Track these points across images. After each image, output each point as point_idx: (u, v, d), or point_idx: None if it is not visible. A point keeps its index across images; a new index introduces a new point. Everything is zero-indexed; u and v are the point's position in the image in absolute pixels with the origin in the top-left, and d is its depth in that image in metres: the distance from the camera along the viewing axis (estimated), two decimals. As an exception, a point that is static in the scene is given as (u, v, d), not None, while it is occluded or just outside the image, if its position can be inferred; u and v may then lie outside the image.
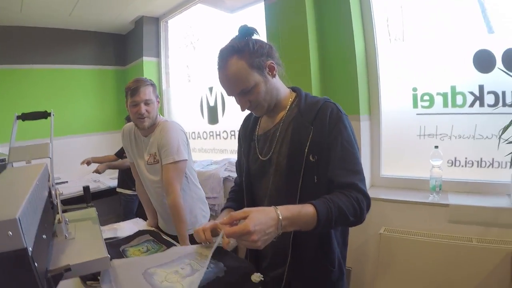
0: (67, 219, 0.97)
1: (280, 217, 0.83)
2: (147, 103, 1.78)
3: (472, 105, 2.01)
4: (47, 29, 4.20)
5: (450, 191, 2.08)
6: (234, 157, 3.25)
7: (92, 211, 1.16)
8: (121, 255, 1.48)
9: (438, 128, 2.13)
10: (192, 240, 1.52)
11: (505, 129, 1.70)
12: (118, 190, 3.47)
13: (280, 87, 1.13)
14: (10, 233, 0.52)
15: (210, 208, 2.17)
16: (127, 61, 4.77)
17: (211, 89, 3.67)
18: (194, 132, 3.98)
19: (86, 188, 1.21)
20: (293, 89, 1.19)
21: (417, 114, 2.20)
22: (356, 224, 0.98)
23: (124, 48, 4.82)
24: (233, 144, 3.48)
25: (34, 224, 0.66)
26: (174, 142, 1.79)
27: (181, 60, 4.31)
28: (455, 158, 2.11)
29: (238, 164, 1.36)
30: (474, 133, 2.02)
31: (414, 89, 2.20)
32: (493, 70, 1.92)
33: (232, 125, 3.49)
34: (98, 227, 1.02)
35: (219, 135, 3.68)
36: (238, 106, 1.11)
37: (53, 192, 0.98)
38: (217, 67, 1.06)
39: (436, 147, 2.03)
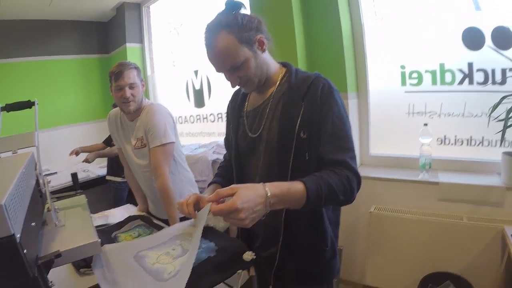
0: (56, 207, 0.95)
1: (269, 194, 0.81)
2: (131, 86, 1.75)
3: (461, 82, 2.01)
4: (27, 21, 4.11)
5: (439, 169, 2.10)
6: (222, 139, 3.22)
7: (81, 198, 1.14)
8: (112, 241, 1.47)
9: (427, 106, 2.14)
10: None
11: (495, 107, 1.71)
12: (108, 178, 3.44)
13: (270, 62, 1.10)
14: (-4, 219, 0.51)
15: (199, 192, 2.16)
16: (111, 49, 4.71)
17: (196, 72, 3.63)
18: (181, 117, 3.95)
19: (74, 175, 1.19)
20: (283, 64, 1.16)
21: (406, 92, 2.21)
22: (346, 203, 0.97)
23: (106, 35, 4.76)
24: (221, 126, 3.46)
25: (22, 211, 0.65)
26: (161, 124, 1.76)
27: (165, 45, 4.25)
28: (445, 136, 2.12)
29: (227, 140, 1.33)
30: (464, 111, 2.02)
31: (402, 67, 2.19)
32: (482, 47, 1.91)
33: (219, 107, 3.46)
34: (88, 213, 1.01)
35: (206, 118, 3.65)
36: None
37: (41, 180, 0.96)
38: (204, 43, 1.02)
39: (425, 124, 2.04)
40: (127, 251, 1.00)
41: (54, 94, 4.36)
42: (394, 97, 2.25)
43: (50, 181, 1.00)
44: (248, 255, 0.92)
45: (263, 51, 1.05)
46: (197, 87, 3.66)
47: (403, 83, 2.21)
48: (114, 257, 0.96)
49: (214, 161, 2.92)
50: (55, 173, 3.80)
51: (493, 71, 1.90)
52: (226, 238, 1.08)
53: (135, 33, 4.28)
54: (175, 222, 1.73)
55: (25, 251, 0.56)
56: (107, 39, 4.75)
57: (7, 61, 4.01)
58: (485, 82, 1.93)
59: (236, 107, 1.24)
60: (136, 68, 1.82)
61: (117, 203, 2.95)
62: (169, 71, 4.19)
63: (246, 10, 1.04)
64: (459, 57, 1.99)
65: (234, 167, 1.21)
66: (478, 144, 2.02)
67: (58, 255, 0.71)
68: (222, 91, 3.34)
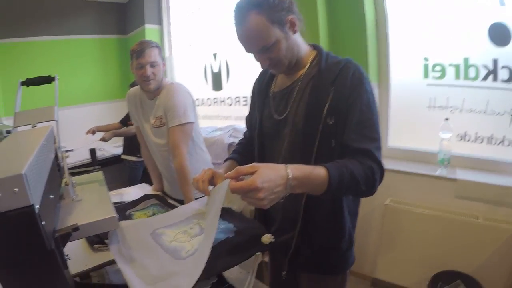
0: (74, 181, 0.96)
1: (290, 176, 0.78)
2: (153, 65, 1.74)
3: (485, 78, 1.93)
4: (47, 0, 4.13)
5: (458, 166, 2.03)
6: (238, 123, 3.22)
7: (99, 174, 1.15)
8: (127, 219, 1.48)
9: (449, 100, 2.07)
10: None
11: (519, 106, 1.64)
12: (123, 157, 3.48)
13: (301, 43, 1.07)
14: (16, 189, 0.51)
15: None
16: (129, 30, 4.72)
17: (215, 55, 3.60)
18: (198, 99, 3.93)
19: (92, 151, 1.19)
20: (314, 47, 1.12)
21: (428, 84, 2.14)
22: (367, 195, 0.94)
23: (125, 16, 4.77)
24: (238, 110, 3.45)
25: (41, 183, 0.64)
26: (181, 104, 1.75)
27: (184, 27, 4.21)
28: (465, 133, 2.05)
29: (249, 118, 1.30)
30: (486, 108, 1.94)
31: (426, 59, 2.12)
32: (508, 44, 1.83)
33: (237, 91, 3.43)
34: (105, 189, 1.01)
35: (224, 101, 3.64)
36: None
37: (59, 154, 0.97)
38: (234, 22, 0.99)
39: (447, 119, 1.99)
40: (144, 228, 1.00)
41: (72, 73, 4.41)
42: (416, 89, 2.19)
43: (68, 156, 1.01)
44: (267, 238, 0.90)
45: (295, 32, 1.02)
46: (215, 70, 3.64)
47: (426, 75, 2.14)
48: (130, 233, 0.96)
49: (230, 145, 2.90)
50: (71, 150, 3.82)
51: (519, 69, 1.83)
52: (245, 220, 1.06)
53: (154, 14, 4.28)
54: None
55: (43, 222, 0.56)
56: (125, 20, 4.77)
57: (26, 39, 4.07)
58: (509, 79, 1.85)
59: (263, 86, 1.21)
60: (158, 47, 1.80)
61: (131, 182, 2.98)
62: (188, 53, 4.16)
63: None
64: (484, 52, 1.91)
65: (256, 147, 1.19)
66: (499, 143, 1.94)
67: (75, 228, 0.71)
68: (241, 75, 3.31)
